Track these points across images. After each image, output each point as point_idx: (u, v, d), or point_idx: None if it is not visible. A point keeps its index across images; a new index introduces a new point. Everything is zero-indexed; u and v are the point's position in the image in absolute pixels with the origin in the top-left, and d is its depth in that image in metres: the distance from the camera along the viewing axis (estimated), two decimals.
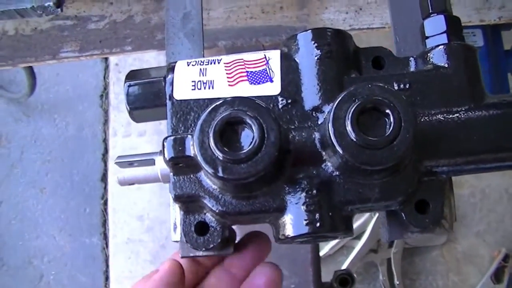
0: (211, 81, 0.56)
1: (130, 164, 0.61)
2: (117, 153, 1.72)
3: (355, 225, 1.56)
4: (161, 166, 0.58)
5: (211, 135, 0.49)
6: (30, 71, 1.64)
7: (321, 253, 1.50)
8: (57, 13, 0.70)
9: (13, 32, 0.93)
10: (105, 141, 1.78)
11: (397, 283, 1.53)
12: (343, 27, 0.90)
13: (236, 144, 0.49)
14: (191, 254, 0.56)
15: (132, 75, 0.61)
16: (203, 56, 0.68)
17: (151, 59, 1.73)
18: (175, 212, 0.59)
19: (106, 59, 1.82)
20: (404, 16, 0.64)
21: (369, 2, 0.90)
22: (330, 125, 0.48)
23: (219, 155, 0.48)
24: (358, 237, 1.56)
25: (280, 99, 0.55)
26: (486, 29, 1.16)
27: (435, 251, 1.58)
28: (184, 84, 0.57)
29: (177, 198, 0.55)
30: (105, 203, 1.71)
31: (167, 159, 0.52)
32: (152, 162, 0.60)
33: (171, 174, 0.54)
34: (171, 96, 0.57)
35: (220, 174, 0.48)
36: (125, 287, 1.63)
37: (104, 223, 1.72)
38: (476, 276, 1.55)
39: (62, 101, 1.83)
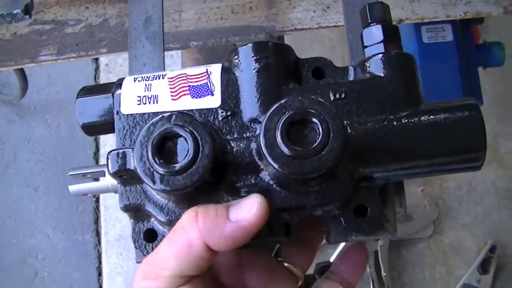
0: (155, 95, 0.58)
1: (84, 175, 0.64)
2: (107, 150, 1.76)
3: None
4: (111, 178, 0.61)
5: (149, 149, 0.50)
6: (22, 74, 1.66)
7: None
8: (26, 19, 0.73)
9: None
10: (96, 139, 1.81)
11: (384, 275, 1.55)
12: (310, 25, 0.92)
13: (175, 157, 0.51)
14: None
15: (84, 91, 0.63)
16: (163, 58, 0.71)
17: None
18: None
19: (97, 60, 1.85)
20: (357, 14, 0.64)
21: (336, 0, 0.92)
22: (261, 137, 0.49)
23: (156, 167, 0.49)
24: None
25: (220, 111, 0.56)
26: (456, 23, 1.16)
27: (422, 243, 1.60)
28: (130, 99, 0.58)
29: (125, 208, 0.57)
30: (97, 200, 1.75)
31: (111, 172, 0.54)
32: (103, 174, 0.62)
33: (119, 185, 0.56)
34: (118, 111, 0.58)
35: (158, 185, 0.50)
36: (117, 283, 1.66)
37: (97, 220, 1.75)
38: (463, 267, 1.57)
39: (54, 102, 1.86)
